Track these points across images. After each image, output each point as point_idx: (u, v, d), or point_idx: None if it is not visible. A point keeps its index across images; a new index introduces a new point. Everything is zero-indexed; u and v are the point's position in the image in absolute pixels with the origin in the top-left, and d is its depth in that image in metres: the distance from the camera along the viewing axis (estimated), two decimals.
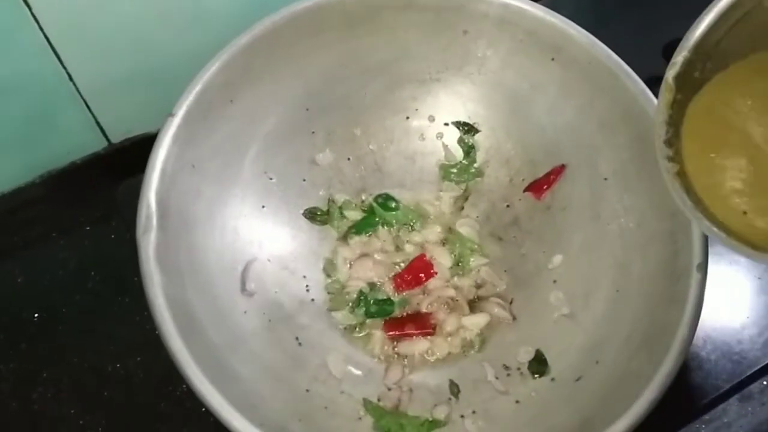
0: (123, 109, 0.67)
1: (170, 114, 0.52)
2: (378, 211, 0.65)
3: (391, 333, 0.60)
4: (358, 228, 0.64)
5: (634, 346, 0.51)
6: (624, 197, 0.58)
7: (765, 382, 0.64)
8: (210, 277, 0.55)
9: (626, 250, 0.57)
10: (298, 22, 0.57)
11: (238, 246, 0.59)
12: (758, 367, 0.63)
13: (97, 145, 0.70)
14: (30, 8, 0.54)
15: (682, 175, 0.46)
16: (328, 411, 0.54)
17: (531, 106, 0.63)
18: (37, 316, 0.64)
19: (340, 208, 0.65)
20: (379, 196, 0.66)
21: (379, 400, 0.57)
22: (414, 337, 0.60)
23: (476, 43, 0.62)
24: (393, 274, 0.63)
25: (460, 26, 0.61)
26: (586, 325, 0.57)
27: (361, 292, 0.62)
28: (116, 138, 0.70)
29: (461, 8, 0.59)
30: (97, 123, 0.67)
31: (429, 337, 0.60)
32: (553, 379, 0.56)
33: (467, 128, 0.66)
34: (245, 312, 0.57)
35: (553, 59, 0.60)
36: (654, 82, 0.74)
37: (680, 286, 0.49)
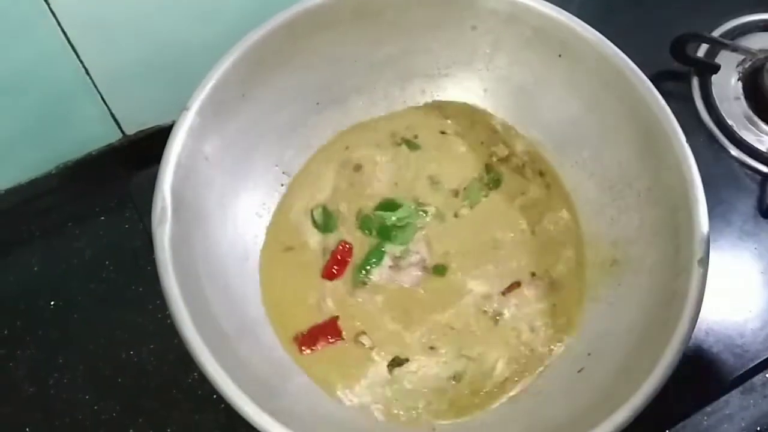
0: (137, 102, 0.68)
1: (185, 108, 0.53)
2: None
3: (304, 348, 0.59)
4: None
5: (635, 339, 0.52)
6: (628, 192, 0.59)
7: (767, 375, 0.65)
8: (222, 267, 0.56)
9: (629, 244, 0.58)
10: (310, 18, 0.58)
11: (249, 236, 0.60)
12: (760, 360, 0.64)
13: (112, 136, 0.71)
14: (48, 2, 0.55)
15: None
16: (337, 401, 0.56)
17: (538, 101, 0.64)
18: (53, 304, 0.65)
19: None
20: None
21: None
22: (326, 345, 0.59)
23: (484, 39, 0.63)
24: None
25: (468, 22, 0.62)
26: (588, 317, 0.59)
27: None
28: (131, 130, 0.71)
29: (469, 4, 0.60)
30: (112, 115, 0.68)
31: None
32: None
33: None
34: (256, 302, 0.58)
35: (560, 56, 0.60)
36: (661, 77, 0.75)
37: (681, 280, 0.50)
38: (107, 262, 0.67)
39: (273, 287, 0.60)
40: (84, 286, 0.66)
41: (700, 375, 0.63)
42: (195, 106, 0.53)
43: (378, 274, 0.62)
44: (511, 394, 0.56)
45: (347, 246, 0.63)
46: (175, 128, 0.52)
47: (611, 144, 0.60)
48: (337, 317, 0.60)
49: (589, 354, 0.55)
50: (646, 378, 0.47)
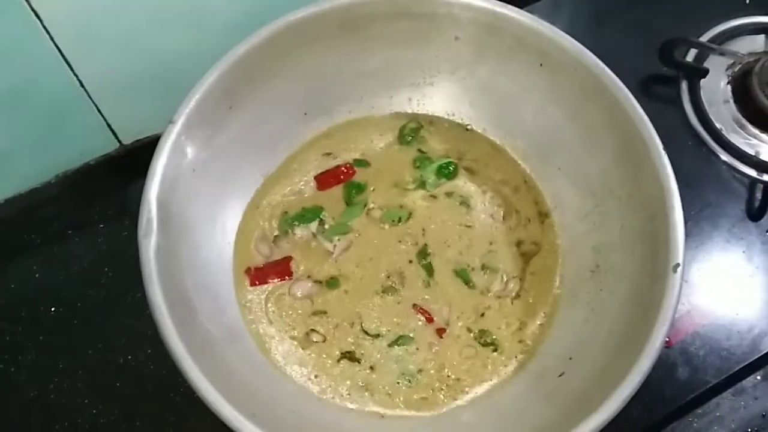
0: (133, 112, 0.69)
1: (170, 121, 0.54)
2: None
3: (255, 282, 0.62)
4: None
5: (614, 344, 0.53)
6: (609, 199, 0.59)
7: (759, 377, 0.65)
8: (210, 275, 0.57)
9: (611, 250, 0.59)
10: (294, 31, 0.58)
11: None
12: (746, 362, 0.64)
13: (109, 146, 0.72)
14: (41, 20, 0.56)
15: None
16: (321, 402, 0.57)
17: (521, 109, 0.65)
18: (53, 310, 0.66)
19: None
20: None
21: None
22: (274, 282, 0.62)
23: (467, 49, 0.63)
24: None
25: (451, 33, 0.62)
26: (571, 322, 0.59)
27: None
28: (127, 139, 0.72)
29: (451, 16, 0.61)
30: (109, 126, 0.69)
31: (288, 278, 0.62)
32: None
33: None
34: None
35: (541, 65, 0.61)
36: (651, 82, 0.76)
37: (658, 286, 0.51)
38: (106, 269, 0.68)
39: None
40: (83, 293, 0.67)
41: (685, 378, 0.63)
42: (180, 119, 0.54)
43: (301, 232, 0.64)
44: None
45: (352, 170, 0.66)
46: (161, 141, 0.53)
47: (593, 151, 0.60)
48: (290, 257, 0.63)
49: (570, 358, 0.56)
50: (621, 383, 0.47)
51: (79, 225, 0.70)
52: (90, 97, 0.65)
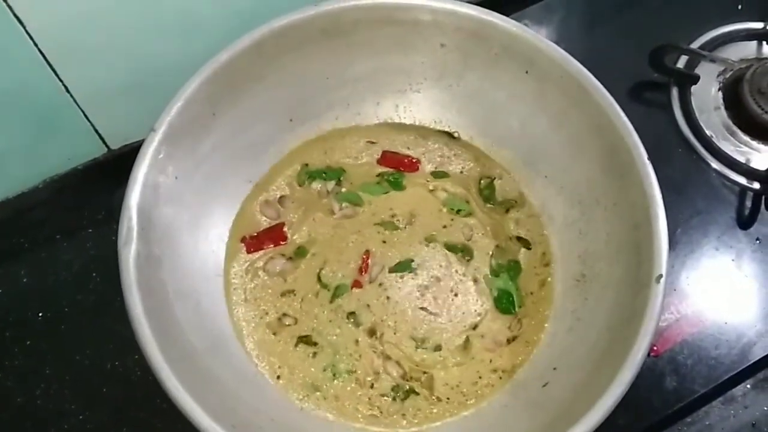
0: (120, 117, 0.69)
1: (152, 129, 0.54)
2: None
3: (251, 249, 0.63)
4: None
5: (598, 354, 0.53)
6: (595, 207, 0.59)
7: (748, 386, 0.65)
8: (193, 284, 0.57)
9: (596, 259, 0.58)
10: (278, 38, 0.58)
11: (222, 252, 0.61)
12: (735, 371, 0.64)
13: (97, 151, 0.72)
14: (24, 26, 0.56)
15: None
16: (303, 412, 0.57)
17: (508, 116, 0.64)
18: (41, 315, 0.66)
19: None
20: None
21: None
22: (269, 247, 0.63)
23: (453, 56, 0.63)
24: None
25: (437, 40, 0.62)
26: (556, 332, 0.59)
27: None
28: (115, 144, 0.72)
29: (436, 23, 0.61)
30: (96, 131, 0.69)
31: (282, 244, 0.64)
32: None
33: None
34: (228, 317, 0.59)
35: (527, 72, 0.61)
36: (641, 88, 0.75)
37: (641, 297, 0.50)
38: (94, 274, 0.68)
39: None
40: (72, 298, 0.67)
41: (673, 387, 0.63)
42: (162, 127, 0.54)
43: (317, 186, 0.66)
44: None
45: (416, 165, 0.67)
46: (141, 149, 0.53)
47: (579, 159, 0.60)
48: (282, 223, 0.64)
49: (554, 368, 0.56)
50: (604, 394, 0.47)
51: (67, 230, 0.70)
52: (77, 103, 0.65)
